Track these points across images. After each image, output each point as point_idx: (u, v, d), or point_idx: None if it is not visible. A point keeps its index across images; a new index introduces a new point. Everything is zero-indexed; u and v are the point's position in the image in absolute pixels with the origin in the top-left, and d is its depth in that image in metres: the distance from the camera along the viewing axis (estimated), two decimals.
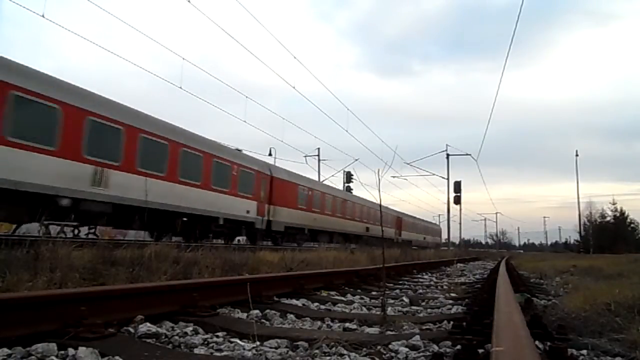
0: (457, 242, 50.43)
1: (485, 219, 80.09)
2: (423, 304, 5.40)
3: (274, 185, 21.56)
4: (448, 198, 41.56)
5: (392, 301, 5.27)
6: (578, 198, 70.09)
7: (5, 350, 2.29)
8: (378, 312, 4.15)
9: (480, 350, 2.37)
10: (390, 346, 2.84)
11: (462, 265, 17.47)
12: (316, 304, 4.81)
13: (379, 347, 2.83)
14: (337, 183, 41.00)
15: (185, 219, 15.48)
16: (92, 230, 13.18)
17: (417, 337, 2.99)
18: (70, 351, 2.33)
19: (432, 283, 8.67)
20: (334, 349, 2.69)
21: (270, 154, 29.06)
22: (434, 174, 42.54)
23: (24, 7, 10.81)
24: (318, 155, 39.07)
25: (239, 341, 2.86)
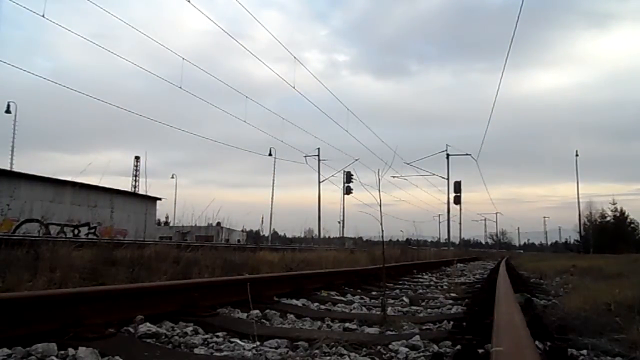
0: (457, 242, 50.37)
1: (485, 219, 79.89)
2: (423, 304, 5.40)
3: None
4: (448, 198, 41.68)
5: (392, 301, 5.26)
6: (578, 198, 69.78)
7: (5, 350, 2.29)
8: (378, 312, 4.15)
9: (480, 350, 2.37)
10: (390, 346, 2.84)
11: (462, 265, 17.48)
12: (316, 304, 4.81)
13: (379, 347, 2.83)
14: (337, 183, 40.83)
15: None
16: (92, 231, 13.29)
17: (417, 337, 2.99)
18: (70, 351, 2.33)
19: (432, 283, 8.68)
20: (334, 349, 2.69)
21: (270, 154, 29.07)
22: (434, 174, 42.44)
23: (24, 7, 10.82)
24: (318, 155, 38.99)
25: (239, 341, 2.86)
